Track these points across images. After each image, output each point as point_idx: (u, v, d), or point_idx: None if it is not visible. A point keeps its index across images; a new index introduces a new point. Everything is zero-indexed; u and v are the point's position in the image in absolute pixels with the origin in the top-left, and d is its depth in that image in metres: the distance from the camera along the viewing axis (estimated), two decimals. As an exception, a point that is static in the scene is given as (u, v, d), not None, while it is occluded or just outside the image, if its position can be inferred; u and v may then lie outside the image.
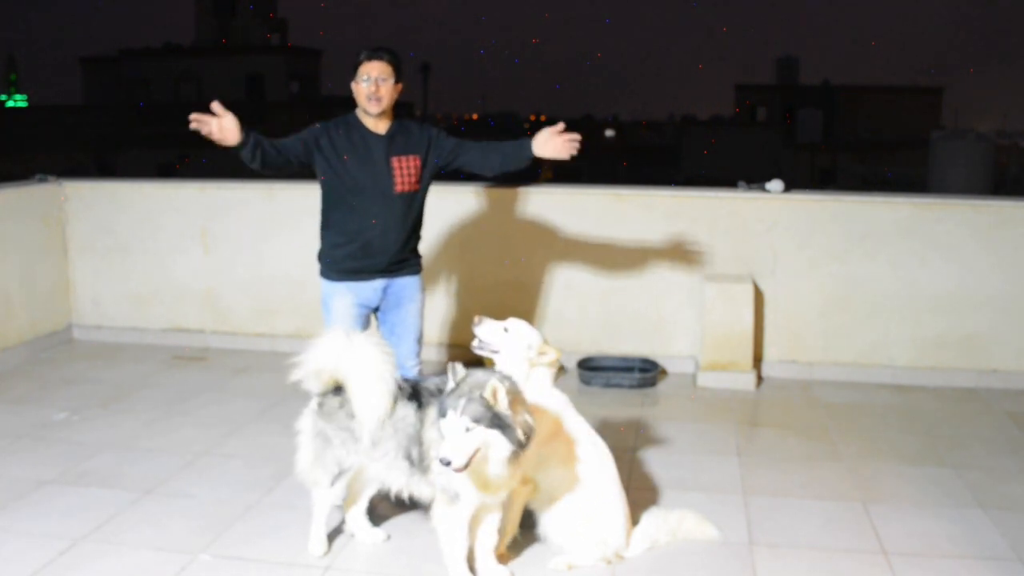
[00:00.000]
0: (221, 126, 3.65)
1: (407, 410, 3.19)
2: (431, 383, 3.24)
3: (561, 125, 3.99)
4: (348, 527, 3.56)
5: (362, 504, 3.53)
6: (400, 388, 3.23)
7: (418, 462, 3.15)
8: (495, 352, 3.41)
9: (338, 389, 3.28)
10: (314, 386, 3.31)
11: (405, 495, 3.27)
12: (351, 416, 3.24)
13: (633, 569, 3.35)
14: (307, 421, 3.38)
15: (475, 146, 4.15)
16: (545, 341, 3.47)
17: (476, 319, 3.46)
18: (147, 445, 4.50)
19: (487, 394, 2.86)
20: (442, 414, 2.89)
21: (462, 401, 2.86)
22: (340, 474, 3.33)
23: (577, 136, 3.95)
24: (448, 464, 2.81)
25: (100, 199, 6.45)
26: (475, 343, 3.47)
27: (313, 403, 3.37)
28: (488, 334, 3.42)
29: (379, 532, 3.55)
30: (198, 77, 38.48)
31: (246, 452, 4.41)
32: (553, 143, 3.97)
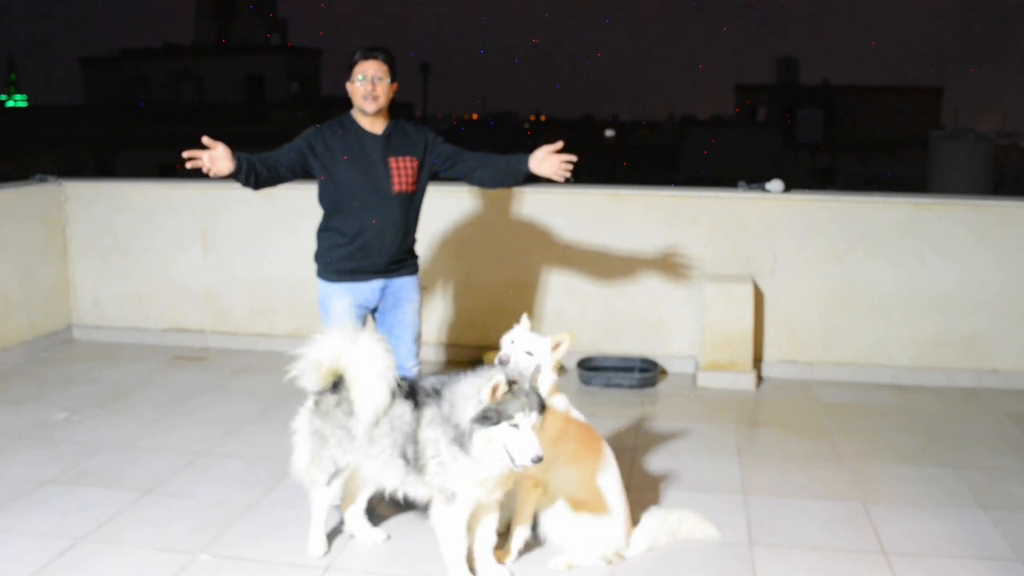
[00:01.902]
0: (212, 157, 3.67)
1: (403, 408, 3.18)
2: (427, 383, 3.23)
3: (559, 144, 3.93)
4: (347, 527, 3.56)
5: (360, 504, 3.53)
6: (398, 386, 3.23)
7: (413, 461, 3.14)
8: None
9: (335, 387, 3.28)
10: (311, 382, 3.29)
11: (400, 495, 3.27)
12: (348, 414, 3.23)
13: (633, 569, 3.35)
14: (303, 420, 3.38)
15: (472, 157, 4.11)
16: (554, 338, 3.44)
17: (502, 357, 3.31)
18: (147, 445, 4.50)
19: (535, 384, 2.99)
20: (506, 418, 2.88)
21: (523, 399, 2.90)
22: (336, 473, 3.33)
23: (573, 158, 3.91)
24: (540, 460, 2.87)
25: (100, 199, 6.45)
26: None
27: (309, 402, 3.37)
28: (518, 363, 3.29)
29: (379, 532, 3.55)
30: (198, 77, 38.46)
31: (246, 452, 4.41)
32: (550, 162, 3.93)
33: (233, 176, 3.79)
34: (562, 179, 3.95)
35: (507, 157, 4.09)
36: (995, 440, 4.70)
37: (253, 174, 3.84)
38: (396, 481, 3.21)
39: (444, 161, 4.09)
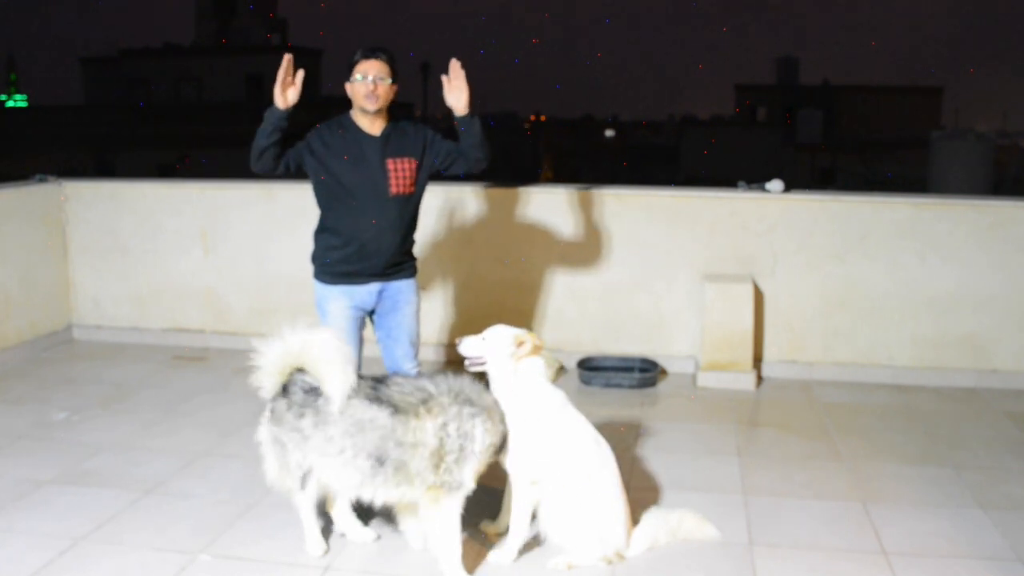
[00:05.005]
0: (285, 89, 3.75)
1: (375, 413, 3.18)
2: (408, 390, 3.24)
3: (450, 64, 3.94)
4: (337, 526, 3.56)
5: (343, 502, 3.53)
6: (371, 388, 3.26)
7: (402, 465, 3.16)
8: (482, 364, 3.41)
9: (284, 390, 3.30)
10: (268, 385, 3.31)
11: (353, 496, 3.29)
12: (298, 416, 3.25)
13: (633, 569, 3.35)
14: (264, 431, 3.39)
15: (456, 149, 4.10)
16: (527, 333, 3.45)
17: (457, 341, 3.48)
18: (147, 445, 4.50)
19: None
20: None
21: None
22: (306, 475, 3.34)
23: (456, 66, 3.92)
24: None
25: (100, 199, 6.45)
26: (466, 362, 3.47)
27: (266, 411, 3.37)
28: (470, 349, 3.43)
29: (369, 531, 3.56)
30: (198, 77, 38.46)
31: (246, 452, 4.38)
32: (449, 93, 3.95)
33: (272, 118, 3.79)
34: (462, 90, 3.93)
35: (458, 139, 4.09)
36: (995, 440, 4.70)
37: (275, 146, 3.83)
38: (354, 482, 3.22)
39: (444, 159, 4.06)
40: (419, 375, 3.61)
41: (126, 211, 6.41)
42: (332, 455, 3.21)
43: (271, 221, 6.19)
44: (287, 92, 3.79)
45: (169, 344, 6.34)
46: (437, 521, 3.19)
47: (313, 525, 3.44)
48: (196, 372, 5.78)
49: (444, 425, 3.16)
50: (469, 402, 3.21)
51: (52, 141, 29.32)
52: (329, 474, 3.27)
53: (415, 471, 3.16)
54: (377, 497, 3.24)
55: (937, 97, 41.79)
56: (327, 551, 3.44)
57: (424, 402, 3.20)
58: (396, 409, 3.18)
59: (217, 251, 6.29)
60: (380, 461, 3.17)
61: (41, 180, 6.41)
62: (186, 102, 37.71)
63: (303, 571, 3.33)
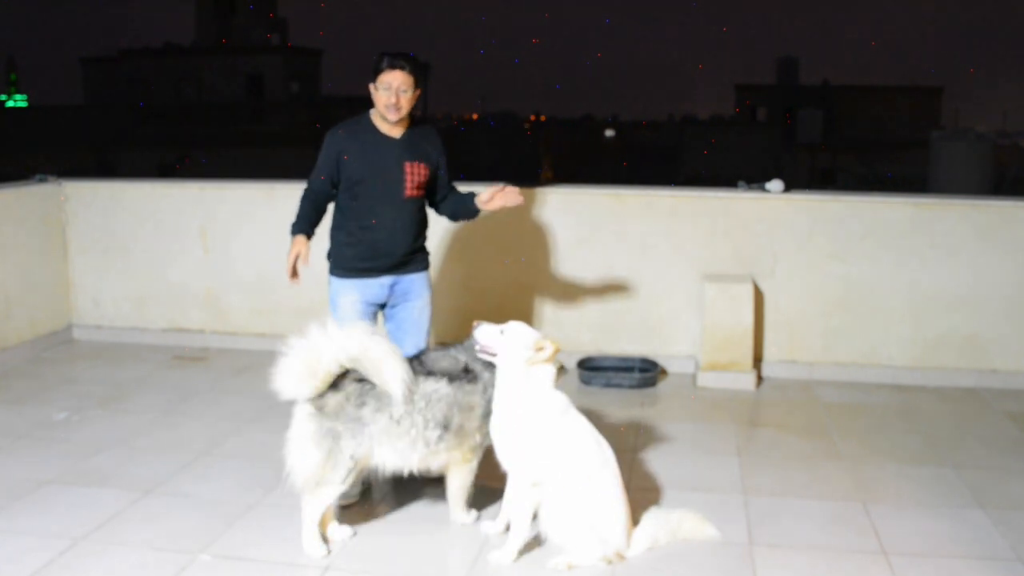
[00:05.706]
0: (304, 259, 3.98)
1: (434, 384, 3.43)
2: (449, 359, 3.55)
3: (500, 186, 4.13)
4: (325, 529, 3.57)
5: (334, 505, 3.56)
6: (419, 362, 3.52)
7: (459, 427, 3.46)
8: (493, 355, 3.40)
9: (334, 385, 3.34)
10: (306, 388, 3.32)
11: (413, 469, 3.46)
12: (359, 406, 3.34)
13: (633, 569, 3.35)
14: (307, 425, 3.36)
15: (445, 187, 4.25)
16: (547, 339, 3.44)
17: (475, 323, 3.48)
18: (147, 445, 4.50)
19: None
20: None
21: None
22: (352, 468, 3.37)
23: (516, 190, 4.12)
24: None
25: (100, 199, 6.45)
26: (476, 347, 3.46)
27: (307, 407, 3.36)
28: (486, 337, 3.42)
29: (347, 528, 3.57)
30: (198, 77, 38.52)
31: (246, 452, 4.41)
32: (498, 199, 4.12)
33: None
34: (514, 204, 4.13)
35: (462, 195, 4.27)
36: (995, 440, 4.70)
37: (314, 227, 4.08)
38: (420, 455, 3.43)
39: (436, 188, 4.17)
40: (439, 347, 3.74)
41: (126, 211, 6.41)
42: (400, 434, 3.38)
43: (271, 221, 6.17)
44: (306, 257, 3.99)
45: (169, 344, 6.34)
46: (463, 476, 3.58)
47: (315, 526, 3.44)
48: (196, 372, 5.78)
49: (484, 389, 3.50)
50: (489, 366, 3.51)
51: (52, 141, 29.34)
52: (394, 452, 3.40)
53: (469, 431, 3.50)
54: (433, 465, 3.51)
55: (937, 97, 41.86)
56: (328, 552, 3.44)
57: (466, 370, 3.51)
58: (450, 378, 3.47)
59: (217, 251, 6.29)
60: (447, 427, 3.44)
61: (41, 180, 6.41)
62: (186, 102, 37.77)
63: (303, 571, 3.33)
